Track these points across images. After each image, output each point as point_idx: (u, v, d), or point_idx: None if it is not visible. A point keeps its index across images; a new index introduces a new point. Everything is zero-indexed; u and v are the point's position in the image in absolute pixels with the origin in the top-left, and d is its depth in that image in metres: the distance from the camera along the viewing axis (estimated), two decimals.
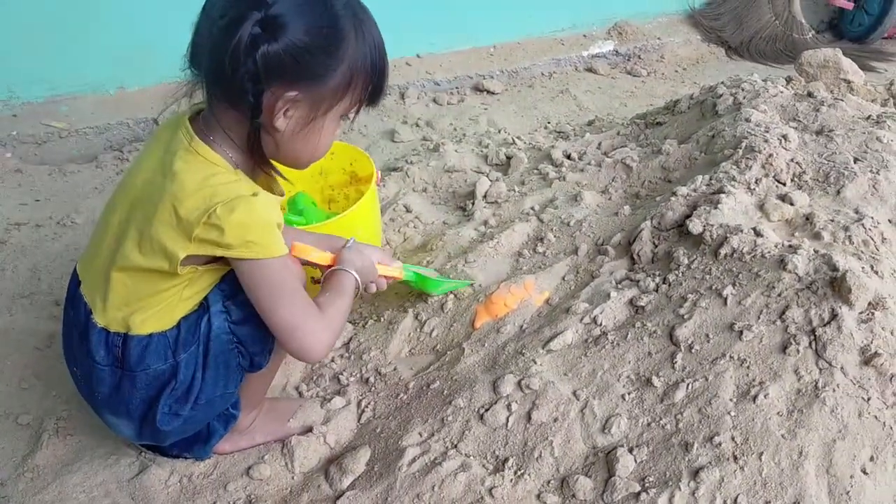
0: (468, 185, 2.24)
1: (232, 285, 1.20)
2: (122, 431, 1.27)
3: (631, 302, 1.48)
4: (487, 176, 2.25)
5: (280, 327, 1.15)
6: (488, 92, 3.13)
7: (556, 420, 1.31)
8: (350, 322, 1.76)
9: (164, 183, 1.08)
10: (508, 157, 2.33)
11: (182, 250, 1.08)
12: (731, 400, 1.24)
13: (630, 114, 2.86)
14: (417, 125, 2.83)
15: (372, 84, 1.13)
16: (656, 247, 1.57)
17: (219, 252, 1.08)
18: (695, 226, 1.49)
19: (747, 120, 1.88)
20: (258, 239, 1.08)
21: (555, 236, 1.79)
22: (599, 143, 2.27)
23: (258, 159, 1.13)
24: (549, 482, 1.26)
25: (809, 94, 2.00)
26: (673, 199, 1.64)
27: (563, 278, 1.64)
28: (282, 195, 1.26)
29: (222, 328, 1.21)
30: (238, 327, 1.21)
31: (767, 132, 1.79)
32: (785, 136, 1.77)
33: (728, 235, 1.44)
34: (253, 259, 1.09)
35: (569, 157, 2.23)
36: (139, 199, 1.12)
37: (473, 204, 2.10)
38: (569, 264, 1.66)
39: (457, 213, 2.14)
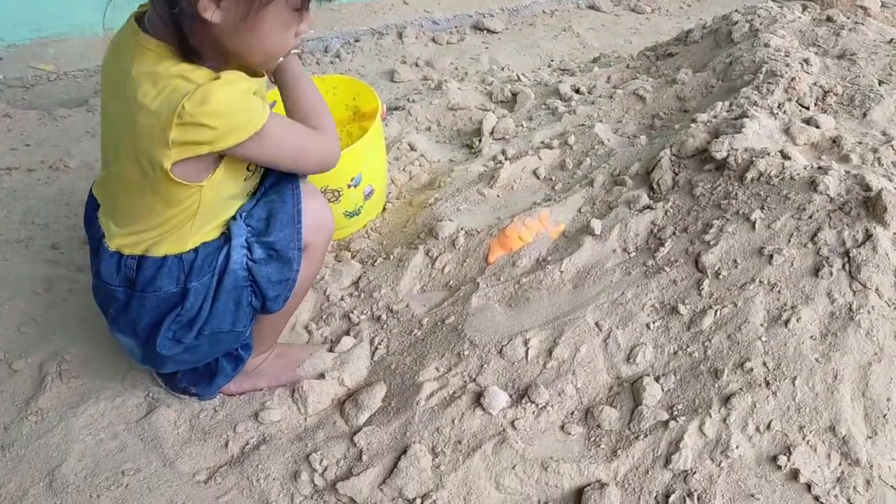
0: (473, 123, 2.16)
1: (261, 223, 1.15)
2: (130, 351, 1.23)
3: (652, 231, 1.43)
4: (493, 112, 2.18)
5: (314, 165, 1.16)
6: (488, 31, 3.03)
7: (578, 351, 1.27)
8: (359, 261, 1.71)
9: (125, 90, 0.99)
10: (514, 94, 2.25)
11: (165, 158, 0.98)
12: (761, 325, 1.20)
13: (635, 51, 2.77)
14: (417, 65, 2.74)
15: None
16: (677, 175, 1.51)
17: (205, 150, 0.99)
18: (718, 150, 1.43)
19: (766, 45, 1.80)
20: (244, 119, 0.99)
21: (568, 169, 1.73)
22: (609, 77, 2.20)
23: (194, 56, 0.99)
24: (572, 413, 1.22)
25: (829, 19, 1.92)
26: (693, 126, 1.58)
27: (580, 210, 1.58)
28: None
29: (240, 264, 1.15)
30: (257, 266, 1.16)
31: (788, 56, 1.72)
32: (806, 60, 1.70)
33: (754, 159, 1.38)
34: (247, 140, 1.00)
35: (577, 90, 2.16)
36: (115, 115, 1.05)
37: (480, 141, 2.03)
38: (584, 196, 1.60)
39: (463, 150, 2.07)
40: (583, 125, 1.90)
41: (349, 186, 1.69)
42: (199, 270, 1.11)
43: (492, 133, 2.04)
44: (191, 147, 0.99)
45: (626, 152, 1.68)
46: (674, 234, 1.39)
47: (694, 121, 1.60)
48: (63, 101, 2.54)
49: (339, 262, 1.72)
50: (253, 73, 1.07)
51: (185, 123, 0.95)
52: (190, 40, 0.97)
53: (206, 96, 0.95)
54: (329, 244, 1.36)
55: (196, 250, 1.12)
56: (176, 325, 1.13)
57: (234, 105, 0.98)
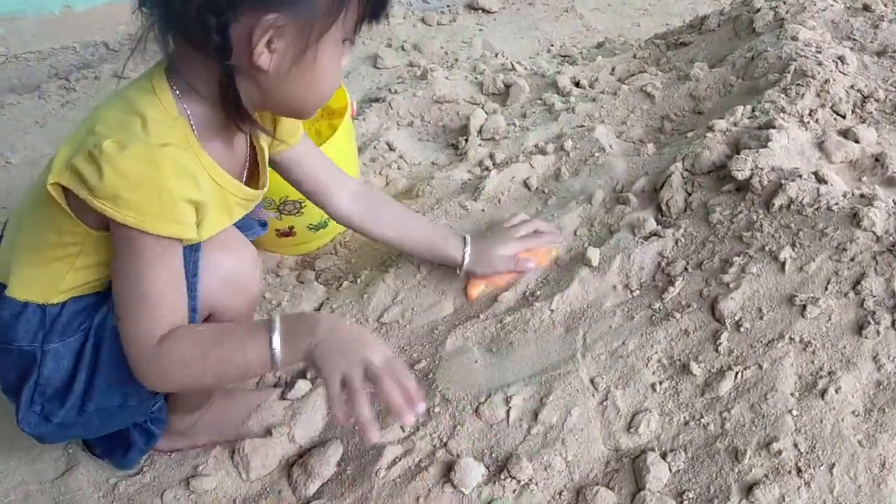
0: (460, 119, 1.93)
1: None
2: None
3: (660, 265, 1.21)
4: (482, 107, 1.94)
5: (119, 320, 0.86)
6: (483, 10, 2.78)
7: (569, 415, 1.06)
8: (323, 283, 1.50)
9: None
10: (507, 86, 2.02)
11: (56, 173, 0.81)
12: (792, 395, 0.98)
13: (644, 35, 2.52)
14: (403, 48, 2.50)
15: None
16: (690, 195, 1.29)
17: (83, 193, 0.79)
18: (740, 169, 1.21)
19: (794, 38, 1.57)
20: (135, 200, 0.78)
21: (564, 180, 1.50)
22: (613, 68, 1.96)
23: (237, 114, 0.86)
24: (560, 493, 1.01)
25: (865, 8, 1.68)
26: (710, 135, 1.35)
27: (575, 233, 1.36)
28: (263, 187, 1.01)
29: None
30: None
31: (820, 53, 1.48)
32: (841, 58, 1.46)
33: (783, 182, 1.16)
34: (117, 222, 0.79)
35: (577, 84, 1.92)
36: None
37: (467, 141, 1.80)
38: (581, 215, 1.38)
39: (447, 151, 1.84)
40: (582, 126, 1.67)
41: None
42: (62, 330, 0.90)
43: (480, 132, 1.81)
44: (77, 183, 0.80)
45: (630, 163, 1.45)
46: (686, 270, 1.17)
47: (710, 129, 1.37)
48: (13, 86, 2.33)
49: (301, 283, 1.50)
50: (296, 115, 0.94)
51: (92, 158, 0.78)
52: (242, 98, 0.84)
53: (132, 149, 0.78)
54: (255, 309, 1.14)
55: (63, 305, 0.90)
56: (40, 397, 0.91)
57: (149, 185, 0.79)
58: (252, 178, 1.03)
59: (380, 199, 1.32)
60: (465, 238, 1.30)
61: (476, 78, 2.10)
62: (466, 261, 1.27)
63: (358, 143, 1.84)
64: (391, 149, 1.83)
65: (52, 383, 0.90)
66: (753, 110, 1.39)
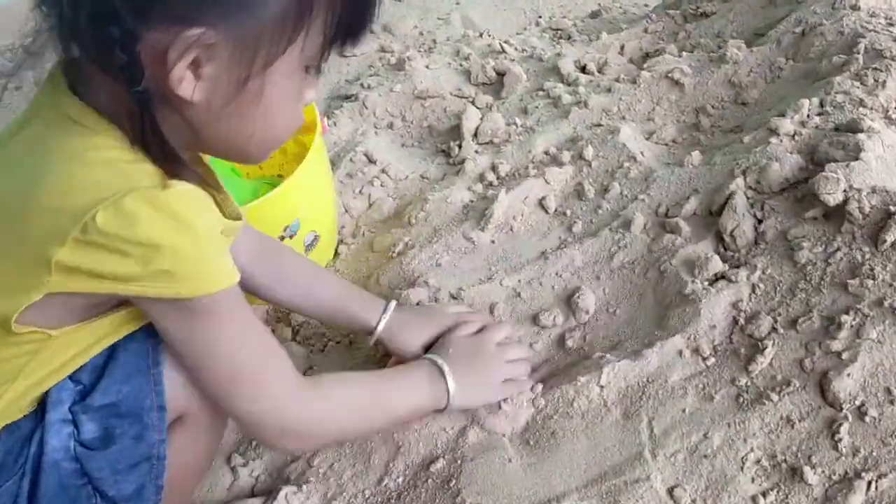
0: (449, 117, 1.64)
1: (94, 373, 0.72)
2: None
3: (737, 322, 0.94)
4: (473, 102, 1.65)
5: (235, 399, 0.74)
6: None
7: None
8: (303, 343, 1.22)
9: (21, 170, 0.63)
10: (499, 73, 1.73)
11: (35, 289, 0.61)
12: None
13: (644, 1, 2.24)
14: (372, 31, 2.17)
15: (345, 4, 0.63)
16: (760, 222, 1.03)
17: (106, 287, 0.62)
18: (830, 192, 0.94)
19: (854, 7, 1.30)
20: (192, 266, 0.63)
21: (588, 199, 1.23)
22: (622, 47, 1.68)
23: (162, 157, 0.62)
24: None
25: None
26: (774, 141, 1.08)
27: (612, 271, 1.09)
28: (238, 218, 0.78)
29: (63, 452, 0.70)
30: (91, 453, 0.70)
31: (893, 26, 1.21)
32: None
33: (893, 209, 0.90)
34: (179, 301, 0.64)
35: (584, 69, 1.64)
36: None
37: (460, 147, 1.51)
38: (618, 247, 1.11)
39: (438, 159, 1.56)
40: (600, 125, 1.39)
41: (283, 238, 1.19)
42: None
43: (475, 136, 1.53)
44: (84, 278, 0.61)
45: (672, 176, 1.18)
46: (774, 330, 0.91)
47: (774, 132, 1.10)
48: None
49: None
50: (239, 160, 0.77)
51: (90, 243, 0.59)
52: (162, 128, 0.61)
53: (139, 208, 0.59)
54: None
55: None
56: None
57: (184, 236, 0.62)
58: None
59: (283, 250, 1.07)
60: (387, 304, 1.03)
61: (461, 65, 1.80)
62: (380, 327, 1.00)
63: (329, 153, 1.55)
64: (371, 160, 1.53)
65: None
66: (822, 104, 1.13)
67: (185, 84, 0.58)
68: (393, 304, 1.03)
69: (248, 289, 1.01)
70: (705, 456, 0.85)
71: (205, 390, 0.75)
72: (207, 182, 0.69)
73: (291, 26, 0.59)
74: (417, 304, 1.12)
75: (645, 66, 1.49)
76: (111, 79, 0.58)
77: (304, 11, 0.60)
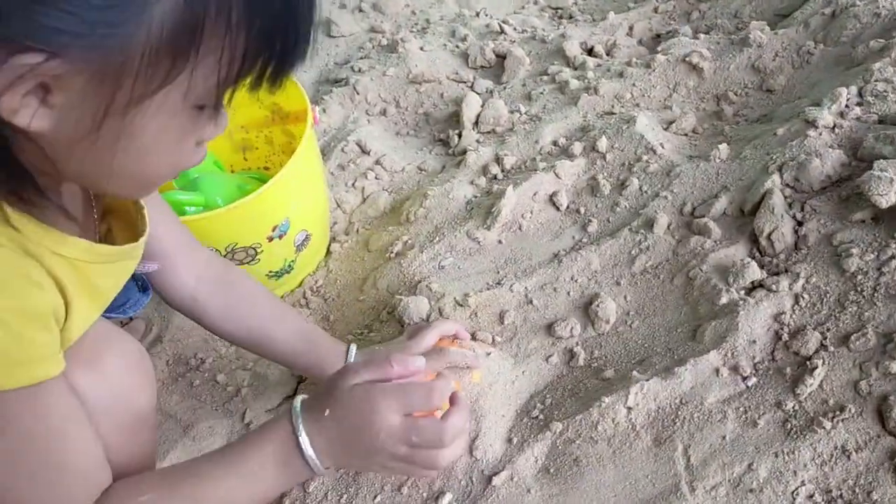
0: (446, 103, 1.53)
1: None
2: None
3: (778, 336, 0.85)
4: (473, 88, 1.55)
5: None
6: None
7: None
8: None
9: None
10: (499, 56, 1.62)
11: None
12: None
13: None
14: (361, 10, 2.05)
15: (270, 30, 0.49)
16: (800, 225, 0.93)
17: None
18: (882, 193, 0.85)
19: None
20: None
21: (604, 195, 1.13)
22: (631, 28, 1.58)
23: (16, 184, 0.51)
24: None
25: None
26: (812, 134, 0.99)
27: (634, 276, 0.99)
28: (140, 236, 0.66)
29: None
30: None
31: None
32: None
33: None
34: None
35: (591, 51, 1.53)
36: None
37: (460, 136, 1.41)
38: (639, 249, 1.02)
39: (436, 149, 1.45)
40: (613, 114, 1.29)
41: (271, 239, 1.08)
42: None
43: (476, 125, 1.42)
44: None
45: (697, 171, 1.08)
46: (823, 347, 0.82)
47: (811, 123, 1.00)
48: None
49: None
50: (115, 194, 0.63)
51: None
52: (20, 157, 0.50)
53: None
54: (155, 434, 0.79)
55: None
56: None
57: None
58: (110, 227, 0.70)
59: (242, 279, 0.93)
60: (349, 346, 0.93)
61: (457, 46, 1.69)
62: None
63: (319, 142, 1.44)
64: (364, 151, 1.43)
65: None
66: (861, 93, 1.03)
67: (23, 113, 0.47)
68: (354, 347, 0.93)
69: (193, 316, 0.91)
70: (751, 490, 0.76)
71: None
72: (67, 214, 0.57)
73: (167, 66, 0.47)
74: (419, 318, 1.02)
75: (658, 48, 1.39)
76: None
77: (183, 51, 0.47)
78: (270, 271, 1.15)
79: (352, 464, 0.74)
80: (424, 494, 0.85)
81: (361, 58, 1.72)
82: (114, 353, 0.70)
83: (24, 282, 0.53)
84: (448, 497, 0.84)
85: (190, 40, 0.47)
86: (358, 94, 1.58)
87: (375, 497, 0.88)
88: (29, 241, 0.54)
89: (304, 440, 0.67)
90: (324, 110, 1.53)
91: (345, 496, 0.89)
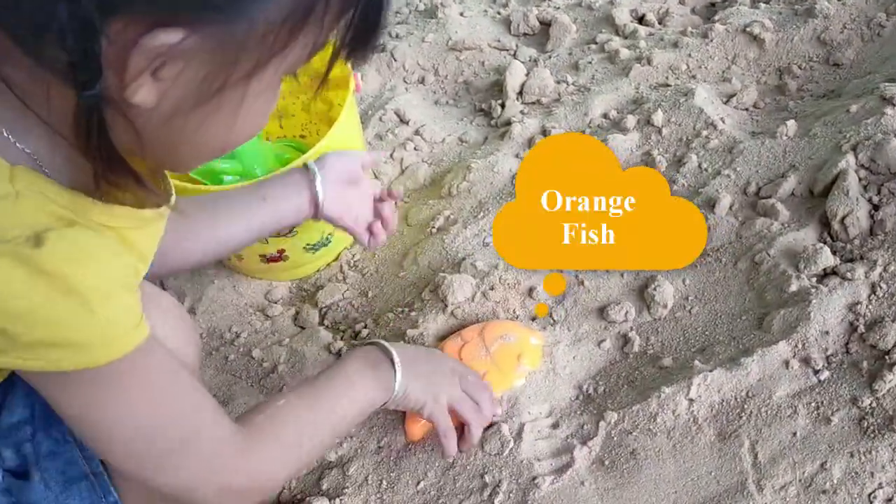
0: (488, 72, 1.47)
1: None
2: None
3: (854, 327, 0.80)
4: (516, 56, 1.48)
5: (180, 484, 0.60)
6: None
7: None
8: (330, 328, 1.08)
9: None
10: (544, 23, 1.55)
11: None
12: None
13: None
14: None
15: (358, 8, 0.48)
16: (876, 209, 0.87)
17: None
18: None
19: None
20: (75, 333, 0.49)
21: (661, 171, 1.07)
22: None
23: (107, 166, 0.49)
24: None
25: None
26: (890, 112, 0.93)
27: (695, 266, 0.94)
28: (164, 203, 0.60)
29: None
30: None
31: None
32: None
33: None
34: (66, 371, 0.50)
35: (641, 19, 1.46)
36: None
37: (503, 107, 1.35)
38: None
39: (477, 119, 1.39)
40: (668, 86, 1.22)
41: None
42: None
43: (520, 95, 1.36)
44: None
45: (762, 148, 1.02)
46: None
47: (889, 101, 0.94)
48: None
49: (302, 328, 1.09)
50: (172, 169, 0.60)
51: None
52: (112, 139, 0.47)
53: (15, 266, 0.46)
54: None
55: None
56: None
57: (79, 300, 0.49)
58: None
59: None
60: (306, 168, 0.89)
61: (499, 12, 1.63)
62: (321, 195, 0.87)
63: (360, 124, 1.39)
64: (402, 120, 1.37)
65: None
66: None
67: (144, 92, 0.45)
68: (314, 167, 0.88)
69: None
70: (823, 491, 0.71)
71: (110, 463, 0.62)
72: (154, 193, 0.56)
73: (284, 39, 0.46)
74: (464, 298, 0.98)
75: (715, 17, 1.32)
76: (56, 81, 0.44)
77: (298, 23, 0.46)
78: (308, 244, 1.11)
79: (416, 385, 0.80)
80: (471, 485, 0.82)
81: (399, 23, 1.66)
82: (160, 309, 0.72)
83: (108, 253, 0.52)
84: (500, 495, 0.80)
85: (305, 11, 0.45)
86: (395, 60, 1.52)
87: (419, 483, 0.85)
88: (89, 215, 0.52)
89: (388, 345, 0.80)
90: (360, 77, 1.48)
91: (385, 480, 0.86)
